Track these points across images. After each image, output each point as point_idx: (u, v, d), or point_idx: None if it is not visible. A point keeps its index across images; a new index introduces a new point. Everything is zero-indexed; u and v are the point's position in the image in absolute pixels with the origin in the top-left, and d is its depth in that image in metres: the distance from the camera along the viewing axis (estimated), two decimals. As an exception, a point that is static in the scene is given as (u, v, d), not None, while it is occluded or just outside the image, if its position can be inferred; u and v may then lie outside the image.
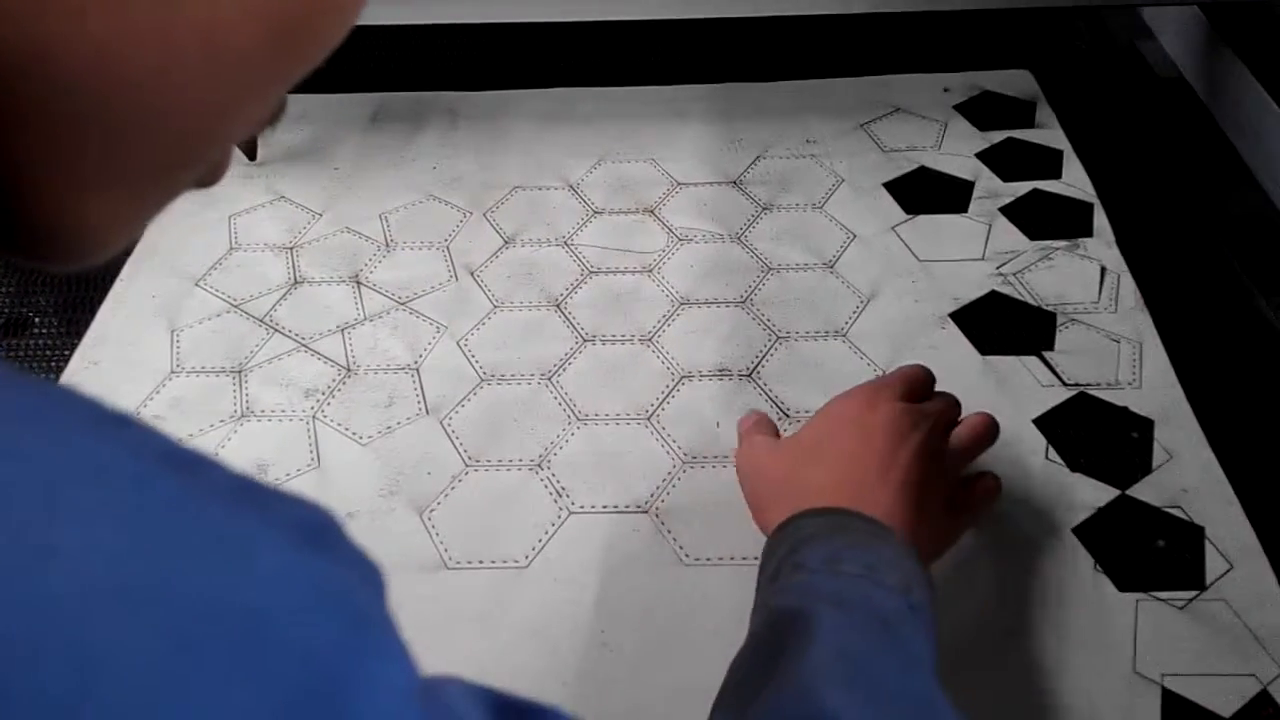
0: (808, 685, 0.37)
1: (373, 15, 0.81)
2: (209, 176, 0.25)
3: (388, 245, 0.74)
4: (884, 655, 0.40)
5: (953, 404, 0.54)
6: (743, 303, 0.69)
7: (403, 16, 0.80)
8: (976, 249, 0.72)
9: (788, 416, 0.62)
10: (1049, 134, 0.82)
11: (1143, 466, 0.58)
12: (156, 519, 0.17)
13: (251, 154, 0.80)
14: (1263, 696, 0.48)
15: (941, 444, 0.51)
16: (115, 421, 0.18)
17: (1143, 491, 0.57)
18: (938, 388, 0.63)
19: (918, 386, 0.54)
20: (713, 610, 0.53)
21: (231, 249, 0.74)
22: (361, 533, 0.58)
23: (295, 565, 0.18)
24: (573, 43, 0.93)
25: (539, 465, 0.60)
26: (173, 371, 0.66)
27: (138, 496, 0.17)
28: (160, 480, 0.17)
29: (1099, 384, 0.63)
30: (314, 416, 0.63)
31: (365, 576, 0.20)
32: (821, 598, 0.41)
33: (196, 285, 0.72)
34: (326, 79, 0.90)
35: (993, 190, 0.77)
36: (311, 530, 0.19)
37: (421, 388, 0.64)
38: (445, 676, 0.22)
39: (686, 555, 0.55)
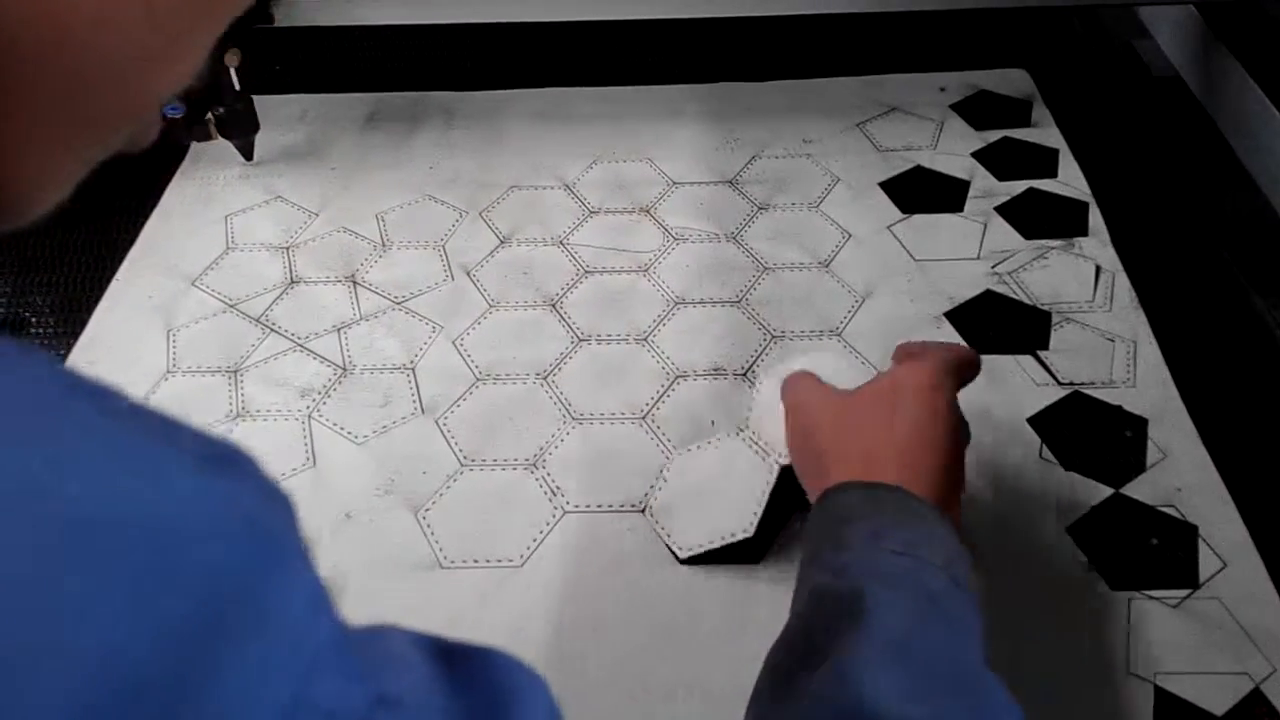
0: (858, 669, 0.37)
1: (370, 16, 0.82)
2: (140, 137, 0.26)
3: (384, 245, 0.74)
4: (934, 634, 0.39)
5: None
6: (738, 302, 0.69)
7: (399, 17, 0.80)
8: (972, 248, 0.72)
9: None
10: (1045, 133, 0.82)
11: (1136, 465, 0.58)
12: (65, 436, 0.17)
13: (248, 154, 0.81)
14: (1255, 695, 0.49)
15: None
16: (26, 353, 0.18)
17: (1136, 490, 0.57)
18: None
19: (968, 372, 0.52)
20: (707, 608, 0.53)
21: (228, 249, 0.75)
22: (357, 531, 0.58)
23: (203, 487, 0.18)
24: (569, 43, 0.93)
25: (534, 464, 0.60)
26: (169, 371, 0.66)
27: (46, 418, 0.17)
28: (72, 403, 0.18)
29: (1093, 383, 0.63)
30: (310, 416, 0.63)
31: (274, 502, 0.20)
32: (869, 575, 0.40)
33: (193, 285, 0.72)
34: (323, 79, 0.91)
35: (988, 189, 0.77)
36: (221, 458, 0.20)
37: (417, 387, 0.64)
38: (387, 625, 0.23)
39: (681, 550, 0.55)
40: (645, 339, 0.67)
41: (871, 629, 0.38)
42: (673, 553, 0.54)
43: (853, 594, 0.40)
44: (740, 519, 0.53)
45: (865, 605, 0.39)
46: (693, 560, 0.54)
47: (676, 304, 0.69)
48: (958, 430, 0.48)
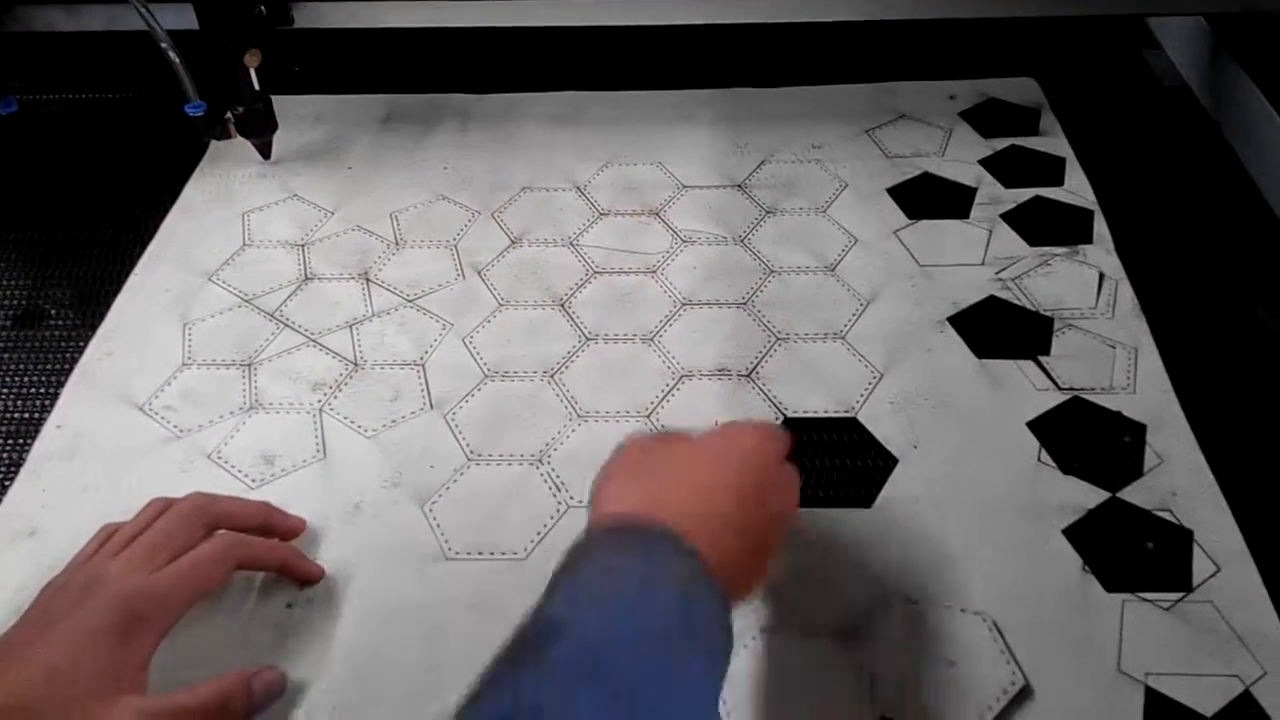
0: (521, 682, 0.35)
1: (387, 19, 0.83)
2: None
3: (397, 243, 0.76)
4: (642, 666, 0.36)
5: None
6: (744, 304, 0.70)
7: (417, 20, 0.82)
8: (977, 254, 0.73)
9: (785, 416, 0.63)
10: (1052, 141, 0.83)
11: (1134, 470, 0.59)
12: None
13: (266, 154, 0.82)
14: (1245, 697, 0.49)
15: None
16: None
17: (1133, 494, 0.58)
18: (934, 390, 0.64)
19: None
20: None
21: (244, 245, 0.76)
22: (365, 522, 0.60)
23: None
24: (582, 47, 0.94)
25: (539, 460, 0.61)
26: (184, 364, 0.67)
27: None
28: None
29: (1093, 388, 0.63)
30: (321, 409, 0.64)
31: None
32: (582, 601, 0.39)
33: (209, 280, 0.73)
34: (340, 80, 0.92)
35: (995, 196, 0.78)
36: None
37: (426, 383, 0.65)
38: None
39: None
40: (651, 339, 0.68)
41: (565, 645, 0.36)
42: None
43: (556, 621, 0.38)
44: None
45: (569, 625, 0.37)
46: None
47: (683, 305, 0.70)
48: (770, 489, 0.46)
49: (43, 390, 0.66)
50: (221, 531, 0.52)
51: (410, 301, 0.71)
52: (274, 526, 0.55)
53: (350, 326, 0.69)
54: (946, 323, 0.68)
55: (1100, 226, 0.75)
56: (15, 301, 0.73)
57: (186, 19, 0.74)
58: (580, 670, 0.35)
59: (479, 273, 0.73)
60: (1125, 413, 0.62)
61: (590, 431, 0.62)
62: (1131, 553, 0.55)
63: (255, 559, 0.53)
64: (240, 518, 0.54)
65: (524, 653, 0.37)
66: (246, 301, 0.71)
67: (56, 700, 0.43)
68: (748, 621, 0.52)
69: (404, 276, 0.73)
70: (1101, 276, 0.71)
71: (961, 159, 0.82)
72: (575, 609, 0.39)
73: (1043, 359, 0.65)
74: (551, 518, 0.58)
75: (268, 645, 0.52)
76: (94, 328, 0.70)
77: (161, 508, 0.52)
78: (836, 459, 0.60)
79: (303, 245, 0.76)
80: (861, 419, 0.62)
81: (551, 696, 0.34)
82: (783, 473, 0.48)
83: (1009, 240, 0.74)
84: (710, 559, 0.41)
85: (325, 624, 0.53)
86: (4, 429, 0.64)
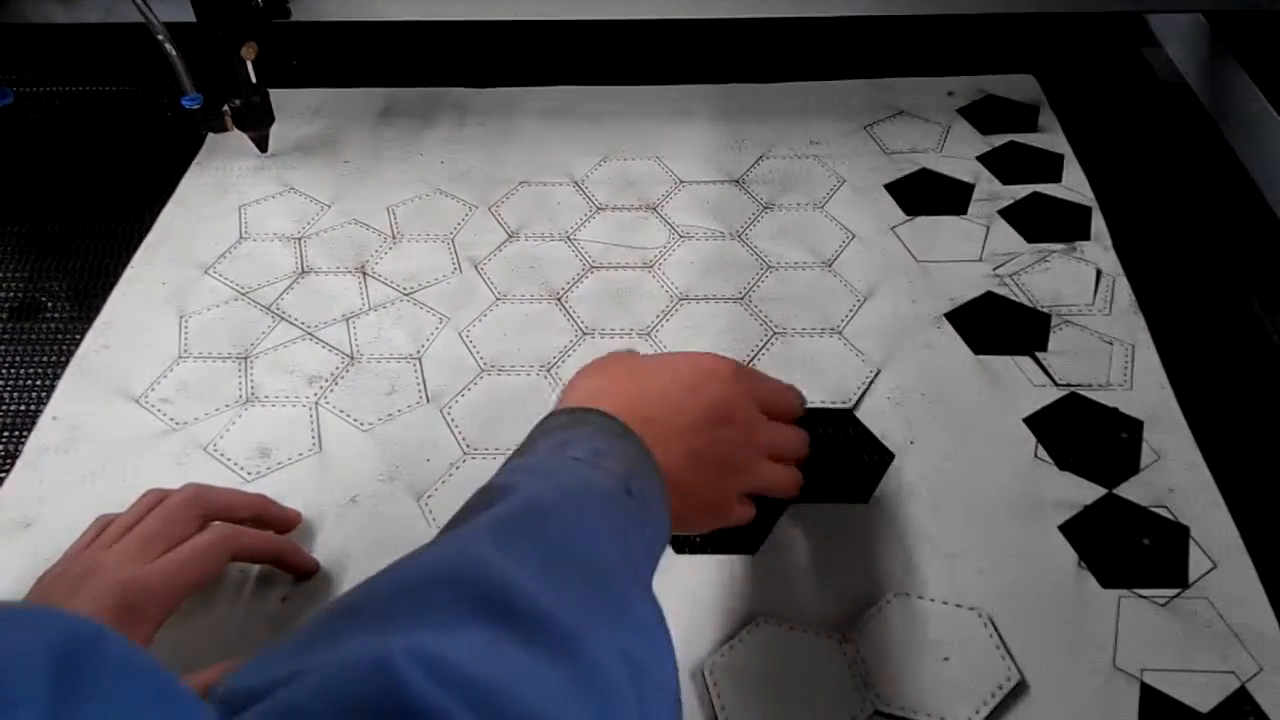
0: (465, 536, 0.37)
1: (385, 12, 0.83)
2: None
3: (394, 237, 0.76)
4: (573, 519, 0.39)
5: (800, 438, 0.54)
6: (741, 299, 0.70)
7: (415, 13, 0.82)
8: (974, 250, 0.73)
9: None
10: (1050, 138, 0.83)
11: (1130, 466, 0.59)
12: None
13: (263, 147, 0.82)
14: (1241, 693, 0.49)
15: (755, 437, 0.50)
16: None
17: (1130, 491, 0.58)
18: (931, 386, 0.64)
19: (781, 410, 0.53)
20: (702, 596, 0.54)
21: (241, 238, 0.76)
22: (361, 516, 0.59)
23: None
24: (580, 41, 0.94)
25: (536, 454, 0.61)
26: (181, 356, 0.67)
27: None
28: None
29: (1090, 385, 0.63)
30: (317, 403, 0.64)
31: None
32: (530, 471, 0.42)
33: (206, 273, 0.73)
34: (338, 74, 0.92)
35: (992, 193, 0.78)
36: None
37: (423, 377, 0.65)
38: None
39: (673, 540, 0.56)
40: (648, 333, 0.68)
41: (500, 507, 0.38)
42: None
43: (504, 485, 0.40)
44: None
45: (506, 490, 0.40)
46: (689, 548, 0.55)
47: (680, 300, 0.70)
48: (722, 424, 0.48)
49: (39, 382, 0.66)
50: (217, 523, 0.52)
51: (407, 295, 0.71)
52: (270, 519, 0.55)
53: (347, 320, 0.69)
54: (944, 319, 0.68)
55: (1098, 223, 0.75)
56: (12, 294, 0.73)
57: (183, 11, 0.73)
58: (524, 520, 0.38)
59: (476, 267, 0.73)
60: (1122, 409, 0.62)
61: (587, 426, 0.62)
62: (1128, 549, 0.55)
63: (250, 551, 0.53)
64: (236, 509, 0.54)
65: (467, 515, 0.40)
66: (243, 294, 0.71)
67: None
68: (743, 615, 0.52)
69: (401, 270, 0.73)
70: (1099, 273, 0.71)
71: (960, 155, 0.82)
72: (520, 475, 0.41)
73: (1040, 355, 0.65)
74: (547, 512, 0.58)
75: (262, 638, 0.52)
76: (90, 320, 0.70)
77: (157, 499, 0.52)
78: (833, 454, 0.60)
79: (299, 238, 0.76)
80: (858, 414, 0.62)
81: (489, 547, 0.35)
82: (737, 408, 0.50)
83: (1007, 236, 0.74)
84: (663, 468, 0.45)
85: (320, 617, 0.53)
86: (0, 421, 0.64)
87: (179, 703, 0.20)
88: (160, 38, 0.72)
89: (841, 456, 0.60)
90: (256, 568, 0.55)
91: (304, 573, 0.55)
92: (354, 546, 0.56)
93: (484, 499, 0.40)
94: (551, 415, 0.47)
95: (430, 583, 0.34)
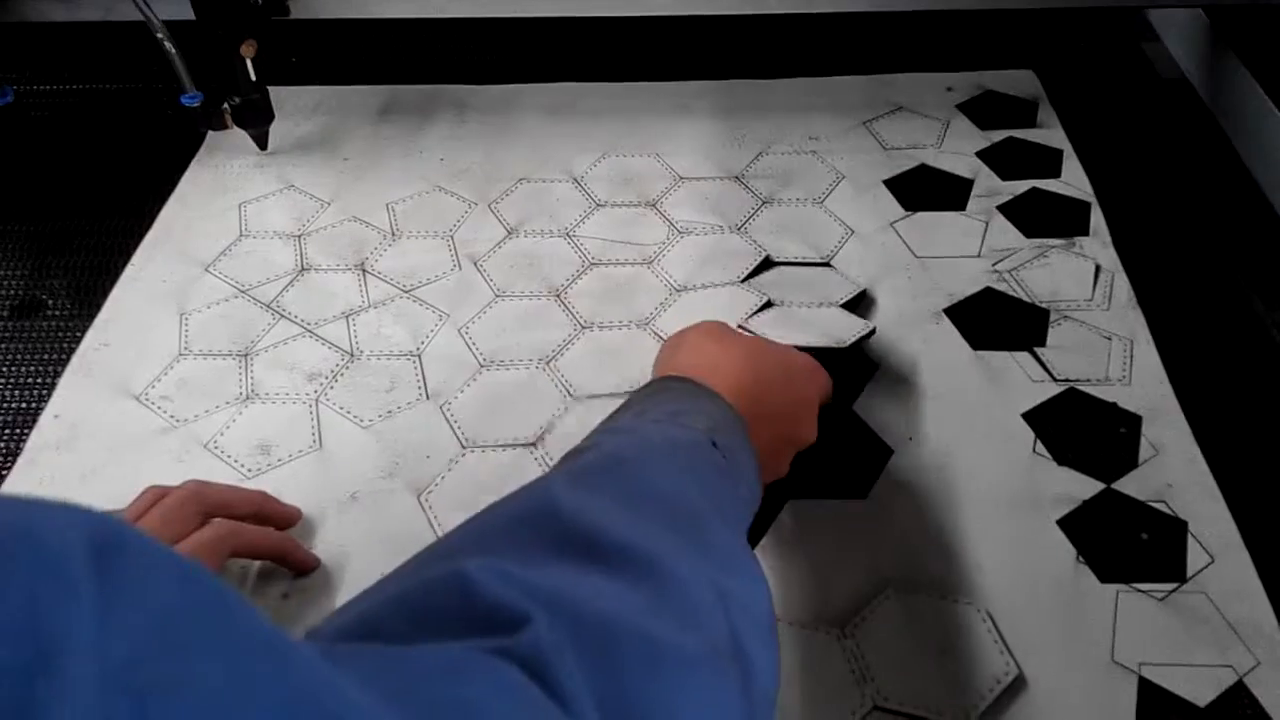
0: (544, 484, 0.37)
1: (384, 9, 0.83)
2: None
3: (393, 234, 0.76)
4: (653, 465, 0.39)
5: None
6: (739, 286, 0.70)
7: (414, 11, 0.82)
8: (973, 246, 0.73)
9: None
10: (1050, 134, 0.83)
11: (1129, 461, 0.59)
12: None
13: (263, 144, 0.82)
14: (1239, 687, 0.49)
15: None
16: None
17: (1128, 485, 0.58)
18: (930, 381, 0.64)
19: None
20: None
21: (241, 236, 0.76)
22: (361, 513, 0.60)
23: None
24: (580, 38, 0.94)
25: (534, 444, 0.61)
26: (181, 354, 0.67)
27: None
28: None
29: (1089, 380, 0.63)
30: (317, 399, 0.64)
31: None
32: (610, 432, 0.43)
33: (206, 271, 0.73)
34: (338, 71, 0.92)
35: (992, 188, 0.78)
36: None
37: (423, 373, 0.66)
38: None
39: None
40: (646, 324, 0.68)
41: (580, 460, 0.39)
42: None
43: (585, 446, 0.41)
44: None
45: (586, 449, 0.41)
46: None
47: (679, 292, 0.70)
48: (806, 401, 0.53)
49: (40, 380, 0.67)
50: (217, 520, 0.52)
51: (406, 292, 0.71)
52: (270, 515, 0.56)
53: (346, 317, 0.69)
54: (943, 314, 0.68)
55: (1097, 218, 0.75)
56: (12, 292, 0.73)
57: (182, 9, 0.73)
58: (602, 469, 0.38)
59: (475, 263, 0.73)
60: (1121, 404, 0.62)
61: (584, 416, 0.62)
62: (1126, 543, 0.55)
63: (250, 547, 0.53)
64: (236, 506, 0.54)
65: (556, 468, 0.41)
66: (243, 292, 0.71)
67: None
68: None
69: (400, 267, 0.73)
70: (1098, 268, 0.71)
71: (959, 151, 0.82)
72: (601, 436, 0.43)
73: (1039, 350, 0.65)
74: (547, 508, 0.58)
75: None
76: (91, 318, 0.70)
77: (157, 496, 0.52)
78: (832, 449, 0.60)
79: (299, 236, 0.76)
80: (857, 409, 0.62)
81: (567, 490, 0.36)
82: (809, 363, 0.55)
83: (1006, 232, 0.74)
84: (748, 424, 0.47)
85: (321, 614, 0.53)
86: (1, 419, 0.64)
87: (204, 582, 0.21)
88: (160, 36, 0.72)
89: (840, 452, 0.60)
90: (257, 564, 0.55)
91: (304, 569, 0.55)
92: (354, 543, 0.56)
93: (565, 460, 0.41)
94: (641, 389, 0.49)
95: (509, 525, 0.34)
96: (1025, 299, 0.69)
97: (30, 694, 0.17)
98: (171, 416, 0.63)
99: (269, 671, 0.20)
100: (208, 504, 0.52)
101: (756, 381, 0.50)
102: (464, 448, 0.61)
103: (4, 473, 0.60)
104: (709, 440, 0.42)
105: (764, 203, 0.77)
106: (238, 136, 0.81)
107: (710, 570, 0.35)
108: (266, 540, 0.54)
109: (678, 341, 0.55)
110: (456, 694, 0.26)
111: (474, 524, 0.36)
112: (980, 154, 0.81)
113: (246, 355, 0.67)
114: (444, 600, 0.30)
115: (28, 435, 0.62)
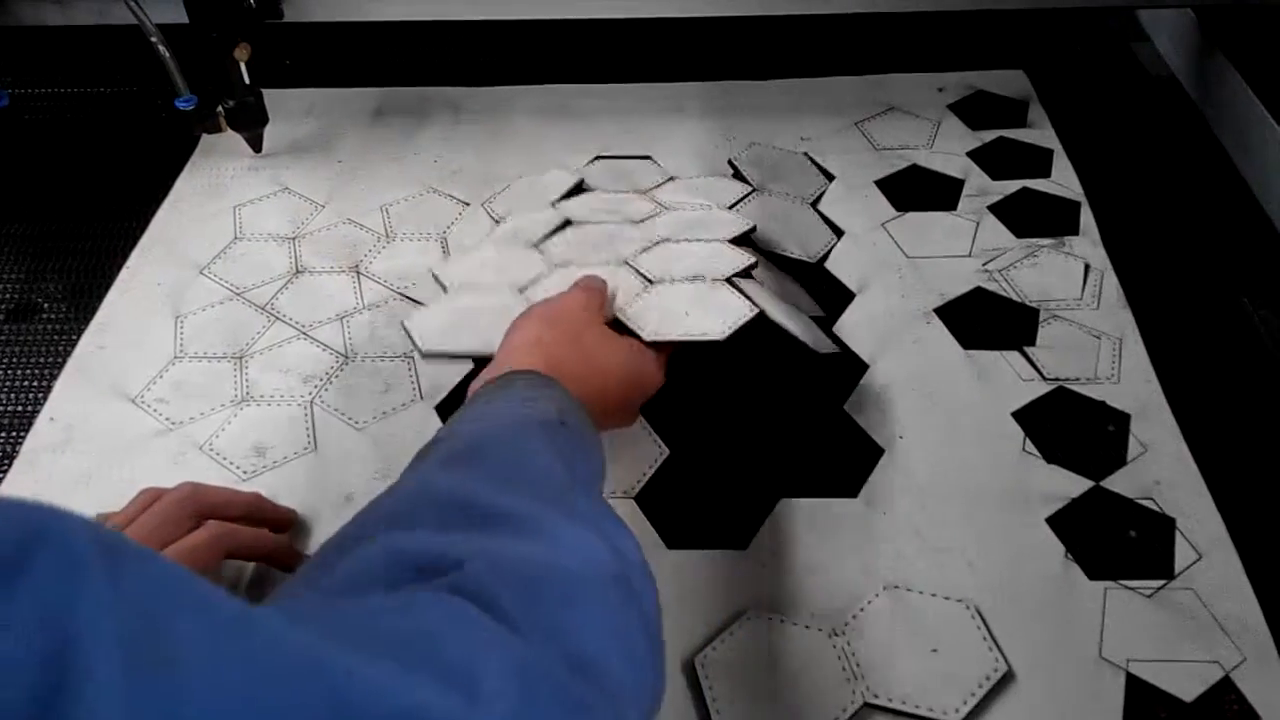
0: (414, 475, 0.41)
1: (378, 12, 0.83)
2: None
3: (387, 236, 0.76)
4: (515, 443, 0.42)
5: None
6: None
7: (407, 13, 0.82)
8: (964, 246, 0.74)
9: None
10: (1040, 134, 0.84)
11: (1117, 459, 0.59)
12: None
13: (257, 147, 0.82)
14: (1225, 683, 0.50)
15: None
16: None
17: (1116, 483, 0.58)
18: (920, 381, 0.65)
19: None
20: (693, 590, 0.54)
21: (236, 238, 0.76)
22: (353, 514, 0.59)
23: None
24: (572, 40, 0.94)
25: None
26: (176, 356, 0.67)
27: None
28: None
29: (1078, 379, 0.64)
30: (312, 401, 0.64)
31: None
32: (463, 421, 0.45)
33: (201, 273, 0.73)
34: (332, 74, 0.92)
35: (982, 188, 0.78)
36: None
37: (417, 375, 0.66)
38: None
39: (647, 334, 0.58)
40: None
41: (442, 447, 0.42)
42: (638, 337, 0.58)
43: (439, 438, 0.44)
44: (715, 325, 0.58)
45: (442, 440, 0.43)
46: (680, 543, 0.56)
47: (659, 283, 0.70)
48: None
49: (36, 383, 0.67)
50: (211, 521, 0.52)
51: (400, 294, 0.72)
52: (264, 518, 0.56)
53: (341, 319, 0.70)
54: (933, 314, 0.69)
55: (1087, 218, 0.75)
56: (8, 295, 0.74)
57: (176, 13, 0.74)
58: (467, 451, 0.41)
59: (469, 265, 0.73)
60: (1109, 402, 0.62)
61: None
62: (1114, 541, 0.56)
63: (245, 548, 0.53)
64: (230, 508, 0.54)
65: (409, 469, 0.43)
66: (238, 294, 0.72)
67: None
68: (734, 608, 0.53)
69: (394, 269, 0.73)
70: (1087, 268, 0.71)
71: (950, 151, 0.82)
72: (455, 426, 0.45)
73: (1028, 349, 0.66)
74: (540, 508, 0.58)
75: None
76: (86, 321, 0.70)
77: (152, 498, 0.53)
78: (823, 449, 0.61)
79: (294, 238, 0.76)
80: (848, 409, 0.63)
81: (440, 473, 0.40)
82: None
83: (996, 232, 0.75)
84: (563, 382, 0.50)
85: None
86: (-3, 422, 0.65)
87: (185, 575, 0.24)
88: (154, 39, 0.73)
89: (830, 451, 0.61)
90: (251, 566, 0.55)
91: (294, 567, 0.55)
92: (349, 544, 0.57)
93: (422, 453, 0.44)
94: (486, 383, 0.50)
95: (398, 510, 0.38)
96: (1015, 298, 0.69)
97: (62, 678, 0.19)
98: (167, 419, 0.63)
99: (243, 637, 0.23)
100: (202, 506, 0.53)
101: (587, 367, 0.53)
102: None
103: (0, 476, 0.61)
104: (559, 420, 0.45)
105: (755, 190, 0.77)
106: (232, 139, 0.81)
107: (586, 522, 0.38)
108: (261, 541, 0.54)
109: (519, 324, 0.57)
110: (415, 626, 0.29)
111: (363, 515, 0.39)
112: (971, 154, 0.82)
113: (241, 357, 0.67)
114: (382, 569, 0.33)
115: (24, 438, 0.63)
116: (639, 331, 0.58)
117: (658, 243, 0.67)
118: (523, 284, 0.67)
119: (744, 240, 0.68)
